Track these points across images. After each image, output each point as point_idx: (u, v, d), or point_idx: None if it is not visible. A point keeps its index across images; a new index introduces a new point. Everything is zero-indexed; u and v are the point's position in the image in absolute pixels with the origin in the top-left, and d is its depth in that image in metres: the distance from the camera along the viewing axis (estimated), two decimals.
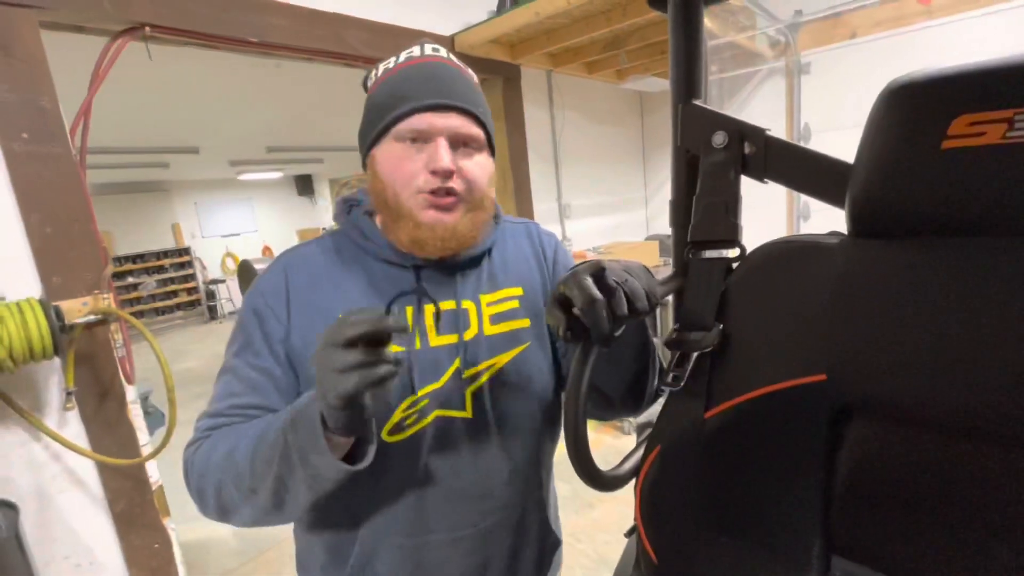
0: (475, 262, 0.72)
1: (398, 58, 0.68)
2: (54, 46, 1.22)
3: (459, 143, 0.63)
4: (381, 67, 0.69)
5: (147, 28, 1.35)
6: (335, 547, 0.68)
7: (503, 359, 0.70)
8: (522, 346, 0.72)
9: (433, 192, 0.62)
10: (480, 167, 0.65)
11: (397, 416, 0.64)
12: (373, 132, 0.64)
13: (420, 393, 0.65)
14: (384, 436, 0.64)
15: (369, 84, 0.70)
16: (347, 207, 0.73)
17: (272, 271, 0.69)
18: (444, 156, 0.60)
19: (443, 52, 0.69)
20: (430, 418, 0.66)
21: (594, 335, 0.46)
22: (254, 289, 0.68)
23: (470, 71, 0.70)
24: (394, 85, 0.64)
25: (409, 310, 0.67)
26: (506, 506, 0.71)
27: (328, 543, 0.69)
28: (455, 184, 0.62)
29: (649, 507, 0.58)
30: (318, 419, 0.51)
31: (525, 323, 0.73)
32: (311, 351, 0.57)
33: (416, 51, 0.68)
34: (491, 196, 0.70)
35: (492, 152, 0.69)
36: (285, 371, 0.65)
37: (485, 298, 0.71)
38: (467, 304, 0.70)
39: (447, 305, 0.68)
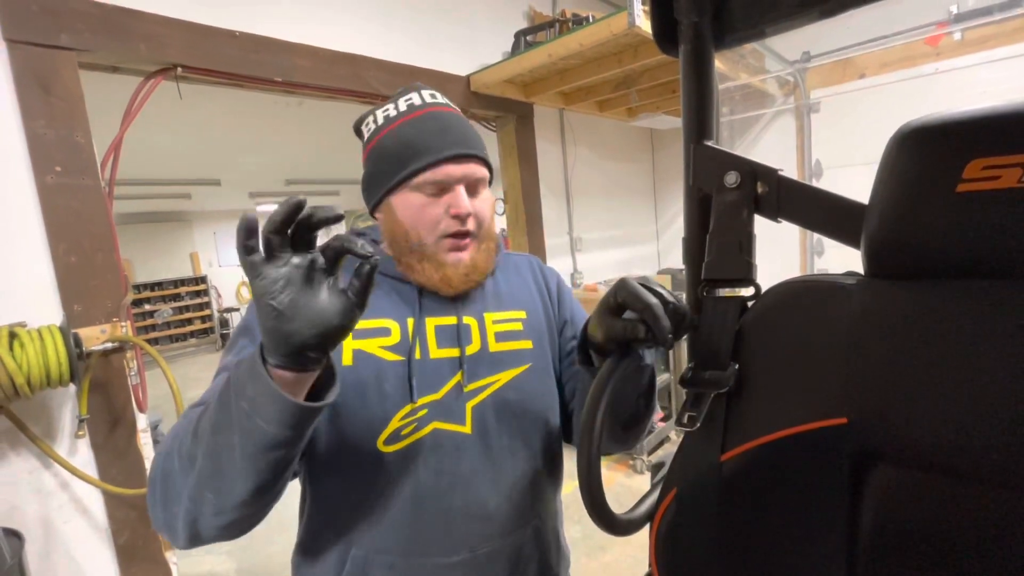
0: (478, 283, 0.74)
1: (397, 106, 0.70)
2: (90, 84, 1.29)
3: (471, 187, 0.68)
4: (380, 115, 0.71)
5: (179, 68, 1.42)
6: (327, 566, 0.66)
7: (505, 376, 0.71)
8: (525, 366, 0.73)
9: (454, 235, 0.67)
10: (487, 203, 0.71)
11: (394, 424, 0.64)
12: (390, 182, 0.67)
13: (419, 402, 0.65)
14: (379, 445, 0.63)
15: (365, 131, 0.73)
16: (354, 232, 0.75)
17: None
18: (465, 203, 0.66)
19: (440, 98, 0.73)
20: (428, 429, 0.65)
21: (659, 335, 0.49)
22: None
23: (459, 111, 0.74)
24: (406, 137, 0.67)
25: (410, 321, 0.68)
26: (504, 533, 0.69)
27: (320, 562, 0.67)
28: (470, 225, 0.67)
29: (665, 553, 0.56)
30: (258, 351, 0.45)
31: (528, 344, 0.74)
32: None
33: (416, 99, 0.71)
34: (494, 222, 0.75)
35: (491, 179, 0.74)
36: None
37: (491, 315, 0.73)
38: (469, 320, 0.71)
39: (448, 320, 0.70)
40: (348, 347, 0.66)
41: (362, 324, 0.65)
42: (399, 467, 0.64)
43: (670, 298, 0.52)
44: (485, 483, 0.68)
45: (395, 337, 0.67)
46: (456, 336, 0.70)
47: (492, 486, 0.68)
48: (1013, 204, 0.37)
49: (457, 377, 0.68)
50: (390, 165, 0.67)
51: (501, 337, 0.73)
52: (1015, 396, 0.36)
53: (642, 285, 0.52)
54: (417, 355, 0.67)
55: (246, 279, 0.47)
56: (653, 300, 0.50)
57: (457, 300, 0.71)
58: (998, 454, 0.37)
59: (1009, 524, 0.37)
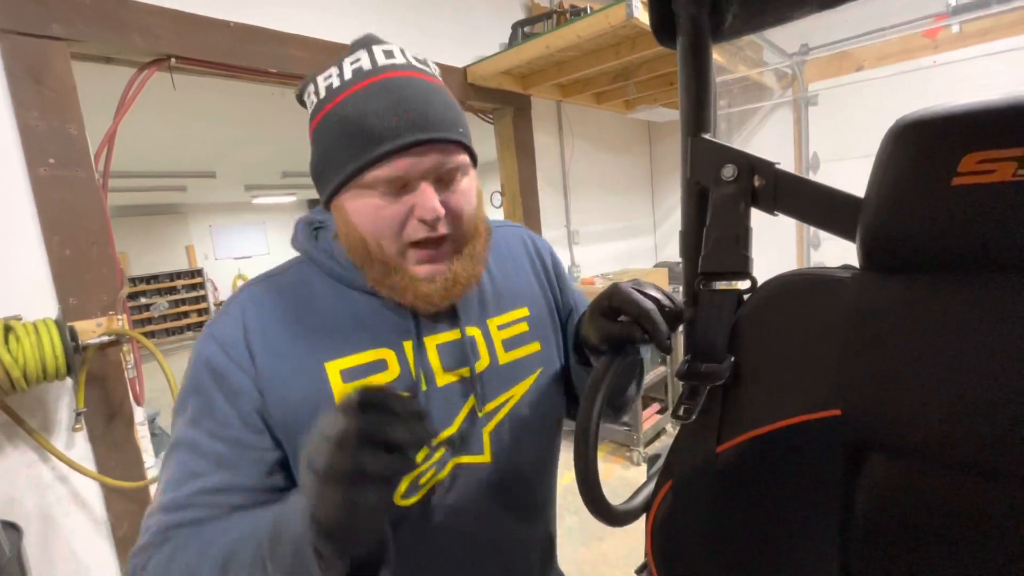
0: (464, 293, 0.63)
1: (342, 71, 0.53)
2: (82, 75, 1.27)
3: (444, 178, 0.54)
4: (321, 84, 0.54)
5: (173, 59, 1.41)
6: None
7: (520, 390, 0.63)
8: (536, 373, 0.65)
9: (422, 243, 0.54)
10: (466, 195, 0.56)
11: (409, 476, 0.55)
12: (335, 179, 0.53)
13: (435, 442, 0.57)
14: (396, 502, 0.55)
15: (308, 104, 0.57)
16: (312, 231, 0.61)
17: (228, 312, 0.56)
18: (431, 204, 0.51)
19: (401, 56, 0.54)
20: (447, 470, 0.57)
21: (658, 342, 0.50)
22: (206, 337, 0.55)
23: (435, 72, 0.57)
24: (349, 118, 0.51)
25: (408, 346, 0.57)
26: (524, 552, 0.66)
27: None
28: (443, 229, 0.54)
29: (661, 543, 0.57)
30: (308, 546, 0.38)
31: (536, 347, 0.66)
32: (292, 416, 0.51)
33: (364, 62, 0.53)
34: (482, 216, 0.61)
35: (474, 160, 0.59)
36: (262, 438, 0.53)
37: (494, 322, 0.64)
38: (472, 331, 0.62)
39: (450, 336, 0.60)
40: (341, 393, 0.53)
41: (352, 360, 0.55)
42: (420, 519, 0.56)
43: (665, 301, 0.53)
44: (507, 511, 0.62)
45: (394, 370, 0.56)
46: (462, 354, 0.60)
47: (512, 513, 0.63)
48: (1008, 198, 0.37)
49: (470, 402, 0.59)
50: (335, 157, 0.53)
51: (509, 345, 0.64)
52: (1009, 388, 0.37)
53: (636, 289, 0.53)
54: (423, 386, 0.57)
55: (324, 430, 0.38)
56: (649, 305, 0.51)
57: (454, 309, 0.60)
58: (991, 445, 0.37)
59: (1002, 514, 0.37)
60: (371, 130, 0.50)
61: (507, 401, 0.62)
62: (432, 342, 0.59)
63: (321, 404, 0.52)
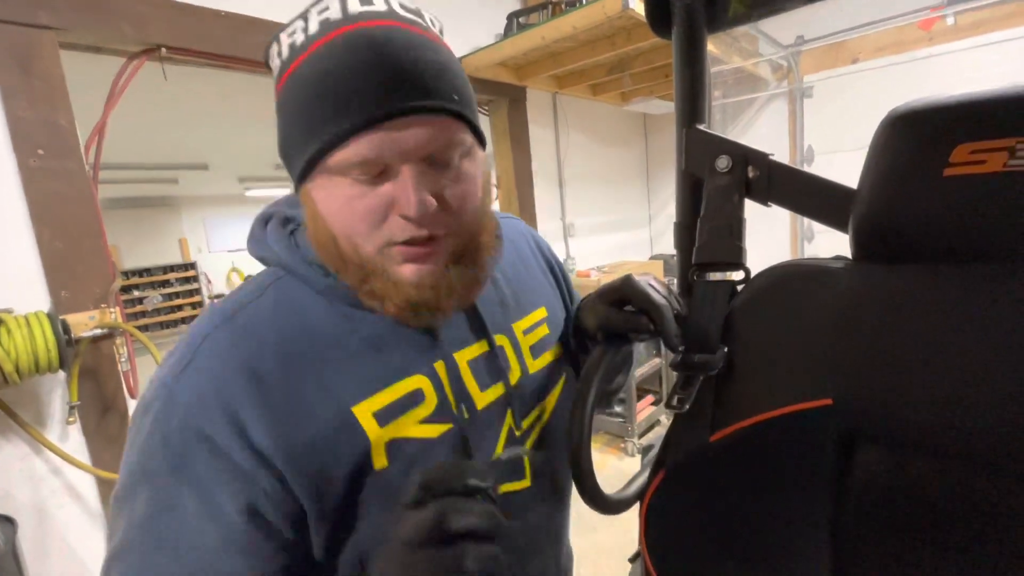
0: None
1: (307, 24, 0.42)
2: (71, 65, 1.26)
3: (437, 159, 0.42)
4: (284, 41, 0.43)
5: (163, 49, 1.39)
6: None
7: (551, 401, 0.58)
8: (562, 379, 0.60)
9: (409, 242, 0.42)
10: (468, 183, 0.44)
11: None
12: (300, 161, 0.42)
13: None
14: None
15: (273, 67, 0.45)
16: (287, 233, 0.48)
17: (187, 372, 0.41)
18: (415, 196, 0.40)
19: (380, 2, 0.42)
20: None
21: (666, 338, 0.50)
22: (163, 405, 0.41)
23: (430, 26, 0.45)
24: (310, 81, 0.40)
25: (440, 368, 0.48)
26: (558, 567, 0.62)
27: None
28: (434, 229, 0.43)
29: (654, 532, 0.57)
30: None
31: (559, 350, 0.60)
32: (325, 487, 0.42)
33: (334, 10, 0.41)
34: (489, 204, 0.51)
35: (482, 142, 0.47)
36: (266, 541, 0.41)
37: (519, 326, 0.57)
38: (501, 340, 0.54)
39: (478, 349, 0.52)
40: (379, 441, 0.44)
41: (383, 397, 0.45)
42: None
43: (673, 303, 0.54)
44: (548, 539, 0.58)
45: (431, 400, 0.47)
46: (495, 367, 0.52)
47: (548, 534, 0.59)
48: (999, 188, 0.37)
49: (508, 421, 0.52)
50: (297, 133, 0.42)
51: (536, 351, 0.57)
52: (1001, 378, 0.37)
53: (649, 285, 0.53)
54: (465, 414, 0.49)
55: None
56: (662, 300, 0.51)
57: (478, 316, 0.52)
58: (984, 435, 0.38)
59: (994, 503, 0.38)
60: (334, 97, 0.38)
61: (540, 415, 0.56)
62: (462, 358, 0.50)
63: (360, 460, 0.43)
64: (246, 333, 0.43)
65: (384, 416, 0.44)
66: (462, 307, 0.49)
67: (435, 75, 0.40)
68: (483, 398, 0.51)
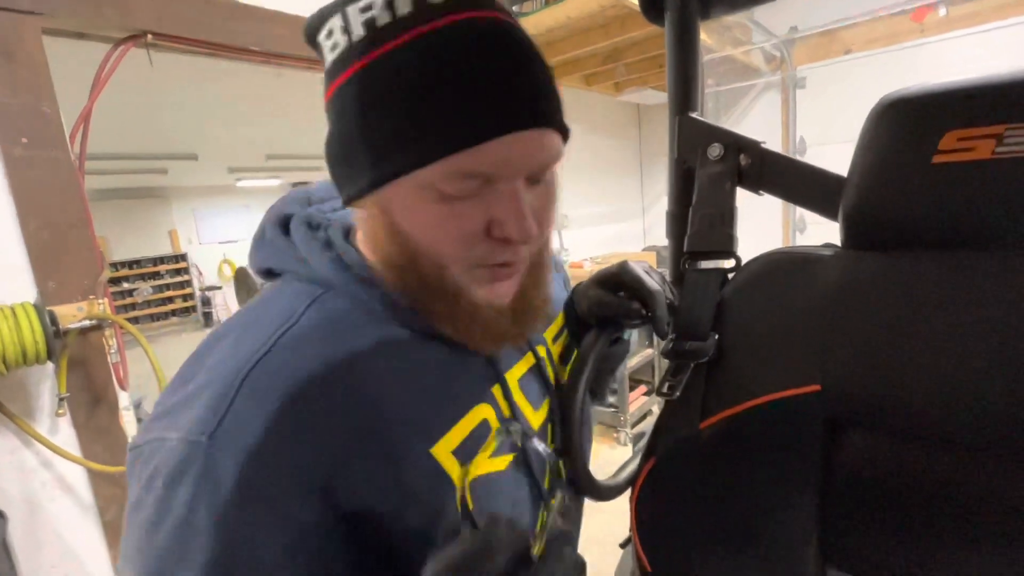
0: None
1: (390, 1, 0.35)
2: (55, 51, 1.23)
3: (531, 178, 0.38)
4: (356, 21, 0.36)
5: (149, 36, 1.36)
6: None
7: None
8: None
9: (500, 265, 0.39)
10: (552, 199, 0.41)
11: (537, 548, 0.38)
12: (385, 167, 0.36)
13: (553, 501, 0.46)
14: None
15: (328, 51, 0.39)
16: (323, 242, 0.42)
17: (251, 402, 0.33)
18: (525, 223, 0.36)
19: None
20: (540, 523, 0.48)
21: (657, 323, 0.51)
22: (217, 464, 0.31)
23: (512, 18, 0.39)
24: (417, 79, 0.34)
25: (497, 393, 0.44)
26: None
27: None
28: (523, 252, 0.40)
29: (645, 518, 0.58)
30: None
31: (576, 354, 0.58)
32: (412, 541, 0.37)
33: None
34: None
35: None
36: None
37: (549, 333, 0.54)
38: (541, 351, 0.51)
39: (524, 365, 0.49)
40: (463, 483, 0.38)
41: (457, 434, 0.40)
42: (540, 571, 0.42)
43: (668, 291, 0.54)
44: (579, 538, 0.58)
45: (495, 429, 0.43)
46: (541, 381, 0.50)
47: (578, 537, 0.58)
48: (986, 175, 0.37)
49: (550, 435, 0.50)
50: (390, 132, 0.35)
51: (564, 358, 0.55)
52: (987, 364, 0.38)
53: (644, 272, 0.53)
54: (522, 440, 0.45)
55: None
56: (656, 287, 0.52)
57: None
58: (971, 419, 0.38)
59: (980, 486, 0.38)
60: (458, 98, 0.34)
61: None
62: (512, 378, 0.46)
63: (447, 506, 0.38)
64: (296, 369, 0.35)
65: (462, 454, 0.40)
66: (535, 329, 0.45)
67: (552, 83, 0.38)
68: (536, 416, 0.47)
